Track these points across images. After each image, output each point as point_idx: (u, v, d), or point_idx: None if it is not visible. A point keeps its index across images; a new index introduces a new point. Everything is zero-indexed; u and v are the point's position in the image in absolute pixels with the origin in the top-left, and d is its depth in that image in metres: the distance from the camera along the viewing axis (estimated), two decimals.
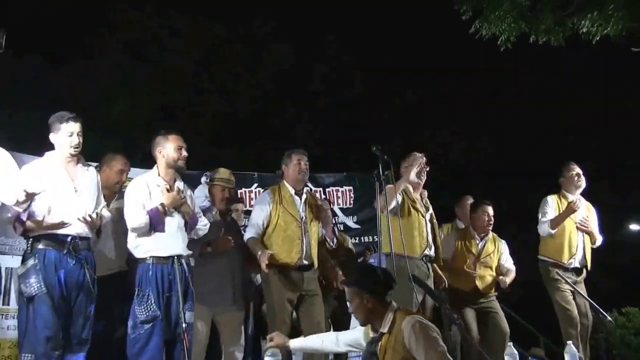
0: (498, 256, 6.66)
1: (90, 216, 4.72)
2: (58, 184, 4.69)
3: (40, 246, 4.63)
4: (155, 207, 4.88)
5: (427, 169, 6.00)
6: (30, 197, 4.47)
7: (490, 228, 6.63)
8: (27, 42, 11.26)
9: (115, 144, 5.61)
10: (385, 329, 3.89)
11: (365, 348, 4.05)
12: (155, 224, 4.89)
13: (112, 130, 11.47)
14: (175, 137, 5.10)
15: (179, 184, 5.09)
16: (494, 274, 6.58)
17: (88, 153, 5.06)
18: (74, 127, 4.76)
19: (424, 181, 6.00)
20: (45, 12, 12.54)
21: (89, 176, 4.88)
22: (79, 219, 4.68)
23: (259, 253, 5.38)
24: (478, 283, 6.46)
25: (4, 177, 4.52)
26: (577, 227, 6.54)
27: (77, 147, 4.77)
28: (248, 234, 5.62)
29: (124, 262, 5.32)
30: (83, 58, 13.50)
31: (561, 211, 6.53)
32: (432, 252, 5.87)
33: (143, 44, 14.25)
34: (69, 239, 4.65)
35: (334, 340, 4.39)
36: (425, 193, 6.12)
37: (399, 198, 5.66)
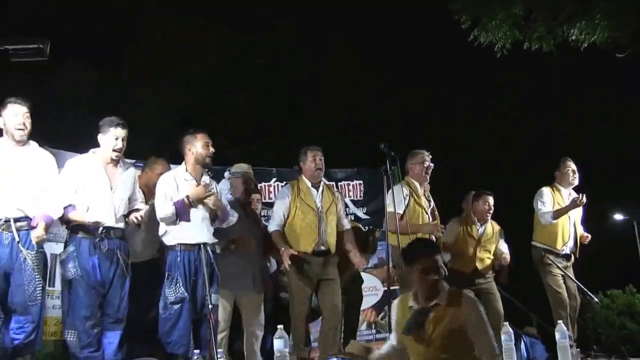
0: (496, 241, 6.67)
1: (138, 217, 4.82)
2: (96, 182, 4.75)
3: (77, 235, 4.71)
4: (181, 199, 4.93)
5: (432, 166, 6.02)
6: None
7: (489, 216, 6.63)
8: (68, 50, 11.33)
9: (146, 141, 5.63)
10: (443, 301, 3.74)
11: (412, 315, 3.83)
12: (180, 214, 4.94)
13: (144, 129, 11.51)
14: (203, 135, 5.13)
15: (206, 179, 5.11)
16: (492, 257, 6.59)
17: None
18: (121, 132, 4.81)
19: (428, 177, 6.03)
20: (81, 23, 12.63)
21: (125, 175, 4.92)
22: (132, 219, 4.80)
23: (282, 250, 5.45)
24: (478, 265, 6.48)
25: (52, 192, 4.64)
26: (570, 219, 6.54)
27: (119, 151, 4.82)
28: (271, 227, 5.68)
29: (156, 251, 5.35)
30: (117, 63, 13.57)
31: (556, 202, 6.55)
32: None
33: (171, 50, 14.31)
34: (100, 229, 4.70)
35: (390, 345, 4.15)
36: (428, 187, 6.13)
37: (407, 195, 5.72)
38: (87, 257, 4.65)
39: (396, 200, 5.61)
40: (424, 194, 6.01)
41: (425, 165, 5.98)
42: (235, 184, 5.95)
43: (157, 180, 5.48)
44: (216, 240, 5.18)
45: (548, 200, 6.58)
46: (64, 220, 4.72)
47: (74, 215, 4.67)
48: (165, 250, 5.08)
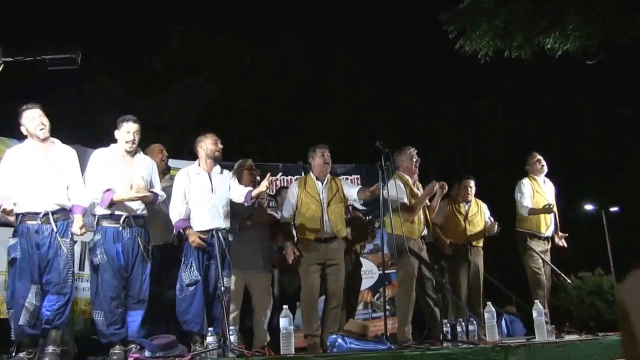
0: (482, 214, 6.72)
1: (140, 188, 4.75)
2: (117, 171, 4.76)
3: (103, 224, 4.74)
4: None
5: (419, 160, 6.02)
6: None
7: (471, 196, 6.71)
8: (96, 58, 11.35)
9: (165, 141, 5.66)
10: None
11: None
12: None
13: (163, 130, 11.51)
14: (212, 134, 5.25)
15: (217, 169, 5.21)
16: (481, 228, 6.63)
17: (142, 149, 5.12)
18: (132, 127, 4.83)
19: (417, 170, 6.02)
20: (111, 35, 12.63)
21: (144, 164, 4.94)
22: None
23: (287, 244, 5.63)
24: (468, 235, 6.54)
25: (79, 184, 4.70)
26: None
27: (132, 142, 4.83)
28: (284, 215, 5.76)
29: (169, 237, 5.32)
30: (138, 70, 13.56)
31: (534, 191, 6.54)
32: (425, 232, 5.93)
33: (189, 60, 14.31)
34: (123, 216, 4.71)
35: None
36: (417, 178, 6.09)
37: (403, 188, 5.71)
38: (112, 245, 4.66)
39: (399, 191, 5.64)
40: (414, 185, 5.99)
41: (413, 160, 5.99)
42: (244, 177, 5.89)
43: (158, 157, 5.56)
44: (229, 226, 5.17)
45: (527, 192, 6.54)
46: (110, 204, 4.68)
47: (117, 197, 4.67)
48: (182, 238, 5.11)
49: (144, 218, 4.88)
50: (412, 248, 5.59)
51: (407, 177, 5.95)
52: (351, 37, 15.02)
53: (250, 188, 5.25)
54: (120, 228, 4.70)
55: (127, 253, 4.70)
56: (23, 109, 4.59)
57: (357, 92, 15.10)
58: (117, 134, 4.86)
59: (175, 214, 5.00)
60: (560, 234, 6.65)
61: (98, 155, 4.87)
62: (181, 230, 4.98)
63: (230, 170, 5.50)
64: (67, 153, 4.74)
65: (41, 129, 4.56)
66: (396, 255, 5.59)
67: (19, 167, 4.50)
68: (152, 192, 4.87)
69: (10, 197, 4.42)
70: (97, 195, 4.69)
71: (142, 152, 5.02)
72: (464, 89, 14.32)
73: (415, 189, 5.93)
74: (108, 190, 4.68)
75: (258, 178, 5.89)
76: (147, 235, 4.91)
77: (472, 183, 6.73)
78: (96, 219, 4.79)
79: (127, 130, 4.81)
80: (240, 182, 5.78)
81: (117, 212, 4.72)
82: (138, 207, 4.81)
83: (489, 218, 6.78)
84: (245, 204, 5.28)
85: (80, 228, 4.58)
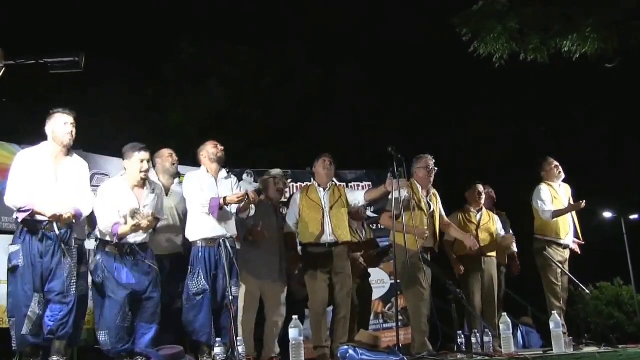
0: (494, 225, 6.62)
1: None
2: (128, 203, 4.75)
3: (105, 249, 4.76)
4: (217, 198, 5.00)
5: (436, 169, 5.94)
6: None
7: (482, 201, 6.61)
8: (107, 64, 11.43)
9: (171, 146, 5.66)
10: None
11: None
12: (213, 209, 4.99)
13: (169, 135, 11.54)
14: (212, 141, 5.36)
15: (223, 174, 5.28)
16: (493, 238, 6.53)
17: (150, 155, 5.10)
18: (145, 155, 4.85)
19: (432, 180, 5.93)
20: (120, 41, 12.70)
21: (152, 196, 4.92)
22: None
23: (291, 253, 5.84)
24: (483, 246, 6.39)
25: (85, 193, 4.70)
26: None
27: (146, 172, 4.86)
28: (288, 224, 5.89)
29: (174, 248, 5.34)
30: (147, 78, 13.64)
31: (553, 197, 6.47)
32: (431, 244, 5.80)
33: (196, 66, 14.39)
34: (126, 246, 4.74)
35: None
36: (432, 190, 5.96)
37: (406, 197, 5.64)
38: (113, 265, 4.70)
39: (394, 201, 5.56)
40: (426, 197, 5.88)
41: (428, 169, 5.90)
42: (268, 185, 6.03)
43: (168, 161, 5.51)
44: (236, 234, 5.21)
45: (547, 197, 6.47)
46: (116, 237, 4.68)
47: (122, 230, 4.65)
48: (189, 247, 5.14)
49: (145, 244, 4.89)
50: (413, 259, 5.50)
51: (419, 187, 5.87)
52: (359, 42, 15.08)
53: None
54: (122, 255, 4.74)
55: (135, 274, 4.72)
56: (56, 111, 4.61)
57: (367, 97, 15.10)
58: (128, 164, 4.86)
59: (202, 200, 5.01)
60: (575, 240, 6.58)
61: (109, 187, 4.86)
62: (221, 202, 4.96)
63: (232, 175, 5.51)
64: (80, 165, 4.76)
65: (69, 137, 4.58)
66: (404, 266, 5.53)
67: (31, 170, 4.49)
68: (156, 217, 4.87)
69: (35, 203, 4.40)
70: (108, 229, 4.71)
71: (149, 179, 5.02)
72: (479, 92, 14.29)
73: (424, 203, 5.82)
74: (116, 223, 4.68)
75: (285, 188, 6.21)
76: (153, 255, 4.93)
77: (480, 188, 6.63)
78: (97, 243, 4.82)
79: (141, 159, 4.81)
80: (266, 192, 5.90)
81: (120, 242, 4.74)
82: (140, 236, 4.81)
83: (502, 230, 6.70)
84: (238, 215, 5.27)
85: (62, 217, 4.44)
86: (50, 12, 11.97)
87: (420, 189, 5.86)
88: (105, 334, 4.60)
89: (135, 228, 4.62)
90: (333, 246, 5.65)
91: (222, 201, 4.98)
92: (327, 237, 5.64)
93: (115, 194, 4.78)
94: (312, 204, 5.75)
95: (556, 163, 6.62)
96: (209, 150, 5.24)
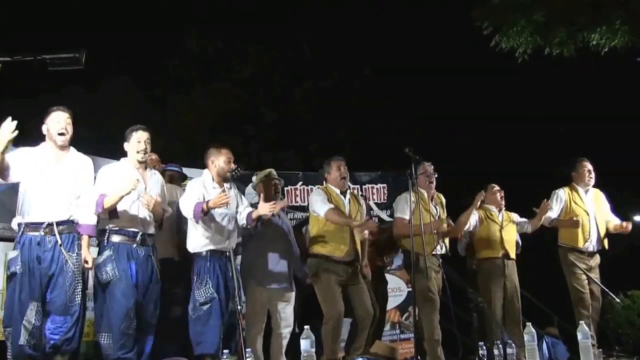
0: (515, 225, 6.51)
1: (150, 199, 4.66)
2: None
3: (115, 240, 4.62)
4: (201, 202, 4.84)
5: (436, 175, 5.87)
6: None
7: (503, 202, 6.50)
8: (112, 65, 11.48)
9: (179, 148, 5.58)
10: None
11: None
12: (196, 215, 4.83)
13: (178, 136, 11.56)
14: (227, 151, 5.14)
15: (226, 185, 5.12)
16: (515, 239, 6.47)
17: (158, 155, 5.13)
18: (142, 135, 4.78)
19: (433, 186, 5.87)
20: (126, 39, 12.74)
21: (155, 179, 4.89)
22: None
23: (352, 223, 5.32)
24: (506, 246, 6.31)
25: (90, 198, 4.56)
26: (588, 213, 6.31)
27: (144, 153, 4.76)
28: (323, 208, 5.35)
29: (169, 253, 5.29)
30: (155, 77, 13.69)
31: (572, 202, 6.35)
32: (442, 250, 5.76)
33: (207, 66, 14.43)
34: (139, 234, 4.63)
35: None
36: (435, 194, 5.95)
37: (413, 201, 5.57)
38: (126, 262, 4.57)
39: (399, 203, 5.66)
40: (432, 201, 5.85)
41: (427, 175, 5.85)
42: (266, 187, 5.79)
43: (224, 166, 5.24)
44: (234, 246, 5.10)
45: (557, 205, 6.40)
46: (100, 208, 4.54)
47: (108, 200, 4.52)
48: (191, 256, 5.02)
49: (154, 237, 4.82)
50: (423, 265, 5.45)
51: (423, 191, 5.83)
52: (373, 43, 15.00)
53: (250, 209, 5.12)
54: (135, 245, 4.63)
55: (142, 272, 4.62)
56: (52, 109, 4.54)
57: (382, 92, 15.06)
58: (127, 146, 4.80)
59: (190, 205, 4.87)
60: (621, 224, 6.39)
61: (107, 171, 4.77)
62: (204, 207, 4.80)
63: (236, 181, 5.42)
64: (82, 162, 4.66)
65: (61, 135, 4.49)
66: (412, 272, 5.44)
67: (27, 171, 4.41)
68: (162, 208, 4.81)
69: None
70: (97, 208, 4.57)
71: (150, 166, 5.00)
72: (500, 90, 14.17)
73: (431, 206, 5.76)
74: (102, 194, 4.55)
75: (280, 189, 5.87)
76: (158, 254, 4.85)
77: (498, 188, 6.54)
78: (106, 233, 4.65)
79: (138, 140, 4.75)
80: (263, 193, 5.72)
81: (131, 229, 4.64)
82: (151, 225, 4.75)
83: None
84: (247, 227, 5.18)
85: (88, 259, 4.46)
86: (52, 11, 12.00)
87: (425, 193, 5.83)
88: (108, 337, 4.49)
89: (124, 195, 4.49)
90: (350, 264, 5.43)
91: (205, 206, 4.82)
92: (351, 254, 5.40)
93: (116, 174, 4.69)
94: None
95: (590, 167, 6.47)
96: (221, 165, 5.05)
